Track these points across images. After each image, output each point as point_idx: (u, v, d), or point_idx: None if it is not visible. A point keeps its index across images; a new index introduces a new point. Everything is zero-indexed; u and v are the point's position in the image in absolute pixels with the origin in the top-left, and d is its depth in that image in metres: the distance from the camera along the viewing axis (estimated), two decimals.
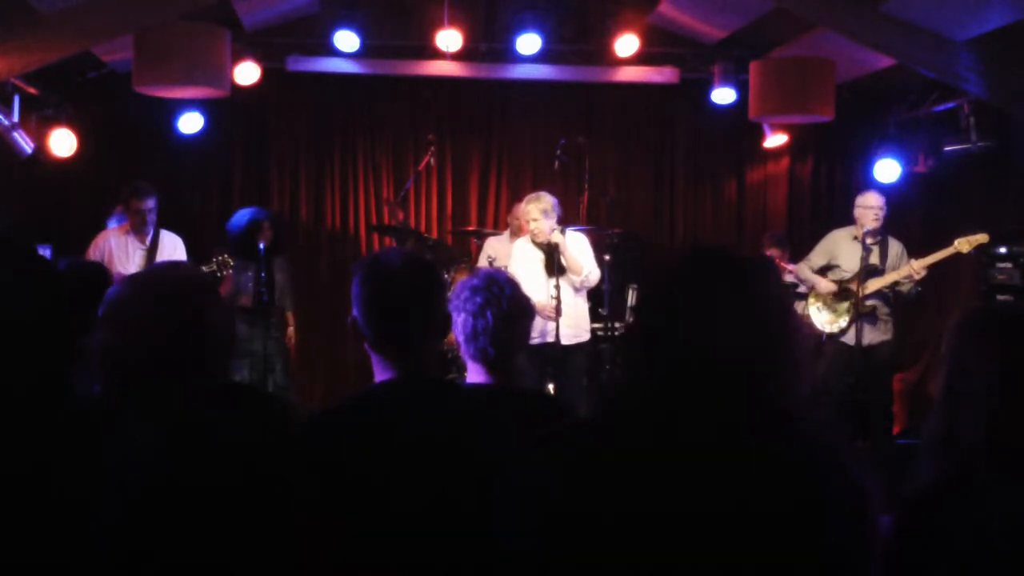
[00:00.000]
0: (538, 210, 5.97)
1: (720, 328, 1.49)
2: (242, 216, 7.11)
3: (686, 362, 1.49)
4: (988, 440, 1.64)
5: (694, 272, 1.57)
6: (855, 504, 1.54)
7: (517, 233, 7.15)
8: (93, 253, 6.56)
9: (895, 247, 6.58)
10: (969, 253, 6.38)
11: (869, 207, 6.50)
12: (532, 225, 6.00)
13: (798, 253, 7.24)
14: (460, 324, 2.54)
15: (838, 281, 6.61)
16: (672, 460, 1.48)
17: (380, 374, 2.17)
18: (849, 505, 1.52)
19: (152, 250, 6.56)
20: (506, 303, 2.53)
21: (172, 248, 6.63)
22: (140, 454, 1.97)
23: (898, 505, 1.67)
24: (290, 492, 2.06)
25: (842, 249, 6.65)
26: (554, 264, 5.97)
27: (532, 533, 1.54)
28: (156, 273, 2.26)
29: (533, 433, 1.65)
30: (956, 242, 6.34)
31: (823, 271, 6.73)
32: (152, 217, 6.54)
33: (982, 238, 6.33)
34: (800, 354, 1.54)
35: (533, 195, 6.15)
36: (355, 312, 2.18)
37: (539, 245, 6.06)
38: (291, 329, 7.34)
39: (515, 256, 6.33)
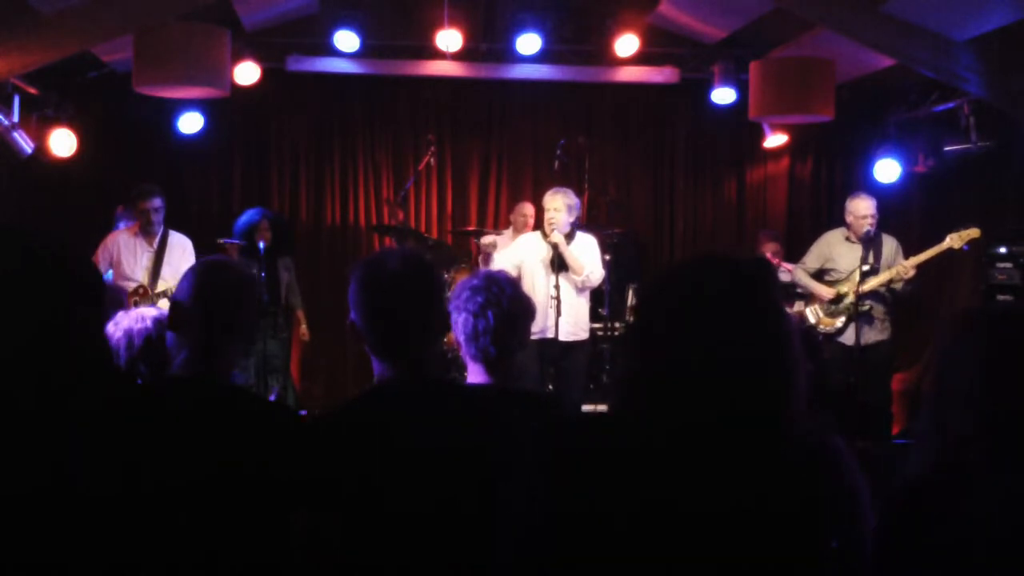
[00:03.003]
0: (563, 203, 5.99)
1: (720, 330, 1.53)
2: (245, 216, 7.15)
3: (686, 363, 1.52)
4: (976, 433, 1.68)
5: (696, 275, 1.61)
6: (848, 505, 1.57)
7: (520, 231, 7.15)
8: (102, 254, 6.55)
9: (889, 244, 6.58)
10: (962, 248, 6.38)
11: (862, 216, 6.46)
12: (552, 215, 6.00)
13: (797, 253, 7.24)
14: (461, 324, 2.52)
15: (835, 282, 6.61)
16: (669, 459, 1.51)
17: (380, 375, 2.16)
18: (843, 506, 1.56)
19: (160, 252, 6.52)
20: (507, 303, 2.52)
21: (181, 250, 6.57)
22: (141, 454, 1.97)
23: (889, 496, 1.71)
24: (291, 494, 2.07)
25: (837, 251, 6.64)
26: (556, 262, 5.99)
27: (535, 530, 1.55)
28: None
29: (534, 431, 1.67)
30: (948, 237, 6.35)
31: (818, 274, 6.72)
32: (158, 217, 6.52)
33: (973, 232, 6.33)
34: (796, 355, 1.57)
35: (560, 188, 6.19)
36: (353, 315, 2.17)
37: (548, 241, 6.07)
38: (304, 327, 7.37)
39: (514, 245, 6.32)
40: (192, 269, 2.27)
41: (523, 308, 2.58)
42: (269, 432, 2.11)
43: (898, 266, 6.38)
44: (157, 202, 6.51)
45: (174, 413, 2.05)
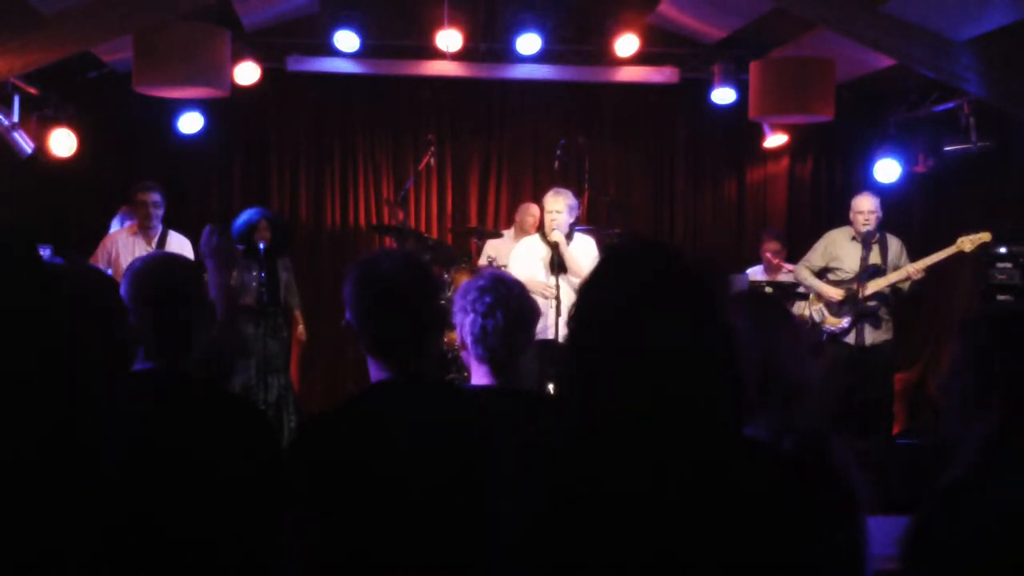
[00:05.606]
0: (564, 204, 6.04)
1: (654, 315, 1.51)
2: (243, 216, 7.13)
3: (620, 348, 1.51)
4: (1011, 435, 1.68)
5: (632, 260, 1.60)
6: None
7: (527, 232, 7.15)
8: (101, 254, 6.55)
9: (894, 245, 6.58)
10: (972, 252, 6.37)
11: (859, 212, 6.51)
12: (553, 216, 6.03)
13: (797, 253, 7.24)
14: (468, 324, 2.47)
15: (839, 281, 6.60)
16: (601, 446, 1.50)
17: (376, 375, 2.16)
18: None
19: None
20: (515, 303, 2.49)
21: (179, 249, 6.52)
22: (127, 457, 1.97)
23: (928, 499, 1.70)
24: (283, 494, 2.06)
25: (842, 250, 6.63)
26: (556, 262, 6.00)
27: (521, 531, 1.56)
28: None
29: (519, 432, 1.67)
30: (959, 240, 6.33)
31: (822, 272, 6.72)
32: (157, 212, 6.53)
33: (985, 236, 6.32)
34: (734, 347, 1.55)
35: (560, 189, 6.24)
36: (348, 315, 2.17)
37: (547, 243, 6.09)
38: (301, 327, 7.34)
39: (517, 251, 6.34)
40: (130, 269, 2.25)
41: (531, 309, 2.55)
42: (258, 430, 2.12)
43: (908, 267, 6.38)
44: (156, 196, 6.52)
45: (148, 412, 2.05)
